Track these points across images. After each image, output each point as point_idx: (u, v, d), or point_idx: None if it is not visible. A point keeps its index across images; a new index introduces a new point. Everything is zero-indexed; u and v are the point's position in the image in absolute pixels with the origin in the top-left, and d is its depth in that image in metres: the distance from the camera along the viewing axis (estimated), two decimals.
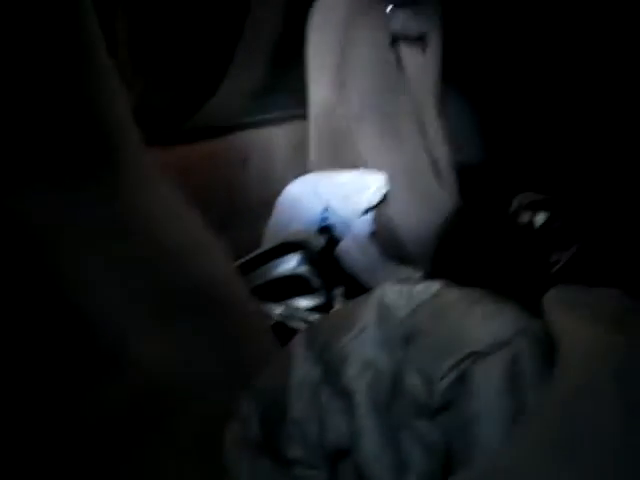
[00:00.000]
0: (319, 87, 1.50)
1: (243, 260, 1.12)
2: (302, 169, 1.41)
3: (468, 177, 1.59)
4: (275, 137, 1.49)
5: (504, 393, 0.55)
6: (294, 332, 1.02)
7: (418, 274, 1.33)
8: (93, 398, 0.53)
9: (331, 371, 0.61)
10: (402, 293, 0.63)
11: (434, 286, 0.64)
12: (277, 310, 1.05)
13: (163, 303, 0.61)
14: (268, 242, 1.18)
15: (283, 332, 1.01)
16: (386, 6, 1.72)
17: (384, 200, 1.43)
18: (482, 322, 0.58)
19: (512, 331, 0.57)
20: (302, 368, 0.65)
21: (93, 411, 0.53)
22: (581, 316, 0.60)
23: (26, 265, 0.51)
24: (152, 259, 0.61)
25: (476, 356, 0.56)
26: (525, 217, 1.21)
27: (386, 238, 1.46)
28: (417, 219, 1.55)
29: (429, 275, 1.23)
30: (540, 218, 1.20)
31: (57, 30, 0.54)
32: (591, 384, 0.54)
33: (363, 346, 0.64)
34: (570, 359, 0.57)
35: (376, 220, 1.39)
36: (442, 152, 1.87)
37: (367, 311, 0.63)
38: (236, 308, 0.74)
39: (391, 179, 1.48)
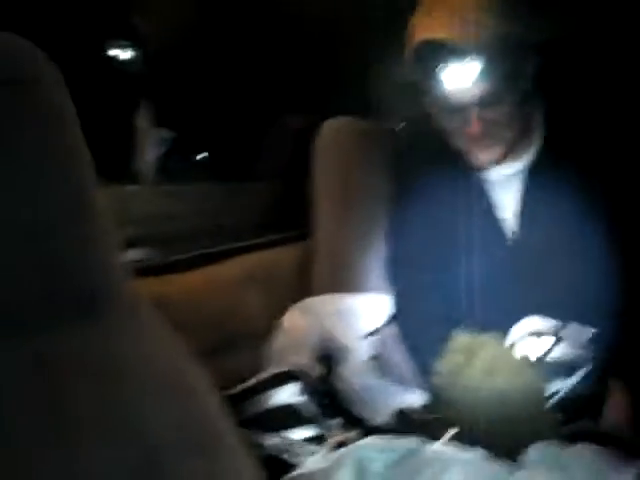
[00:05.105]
0: (324, 210, 1.50)
1: (239, 388, 1.10)
2: (305, 292, 1.39)
3: None
4: (279, 258, 1.49)
5: None
6: (287, 465, 0.99)
7: (422, 401, 1.27)
8: None
9: None
10: (379, 447, 0.62)
11: (412, 442, 0.63)
12: (270, 441, 1.02)
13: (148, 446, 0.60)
14: (266, 369, 1.16)
15: (276, 465, 0.98)
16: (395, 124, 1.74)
17: (388, 323, 1.39)
18: None
19: None
20: None
21: None
22: None
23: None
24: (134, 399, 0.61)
25: None
26: None
27: (389, 362, 1.41)
28: None
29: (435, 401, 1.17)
30: None
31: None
32: None
33: None
34: None
35: (379, 343, 1.35)
36: None
37: (343, 468, 0.62)
38: (222, 446, 0.72)
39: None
